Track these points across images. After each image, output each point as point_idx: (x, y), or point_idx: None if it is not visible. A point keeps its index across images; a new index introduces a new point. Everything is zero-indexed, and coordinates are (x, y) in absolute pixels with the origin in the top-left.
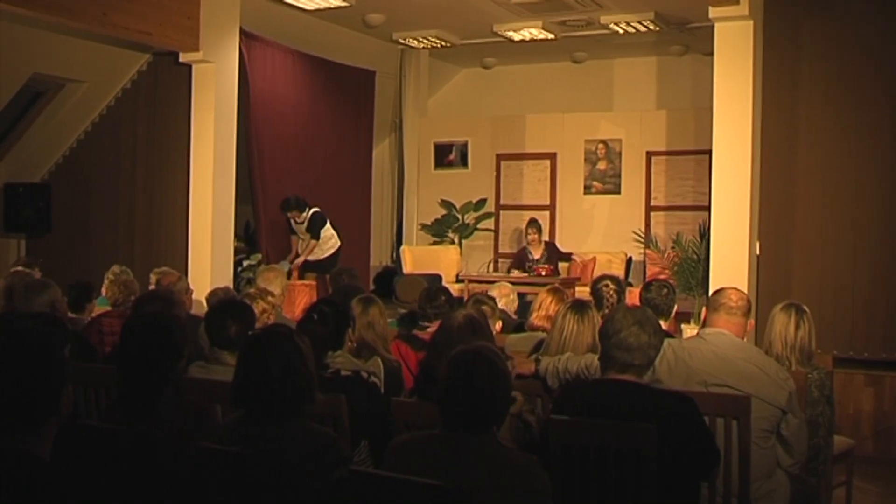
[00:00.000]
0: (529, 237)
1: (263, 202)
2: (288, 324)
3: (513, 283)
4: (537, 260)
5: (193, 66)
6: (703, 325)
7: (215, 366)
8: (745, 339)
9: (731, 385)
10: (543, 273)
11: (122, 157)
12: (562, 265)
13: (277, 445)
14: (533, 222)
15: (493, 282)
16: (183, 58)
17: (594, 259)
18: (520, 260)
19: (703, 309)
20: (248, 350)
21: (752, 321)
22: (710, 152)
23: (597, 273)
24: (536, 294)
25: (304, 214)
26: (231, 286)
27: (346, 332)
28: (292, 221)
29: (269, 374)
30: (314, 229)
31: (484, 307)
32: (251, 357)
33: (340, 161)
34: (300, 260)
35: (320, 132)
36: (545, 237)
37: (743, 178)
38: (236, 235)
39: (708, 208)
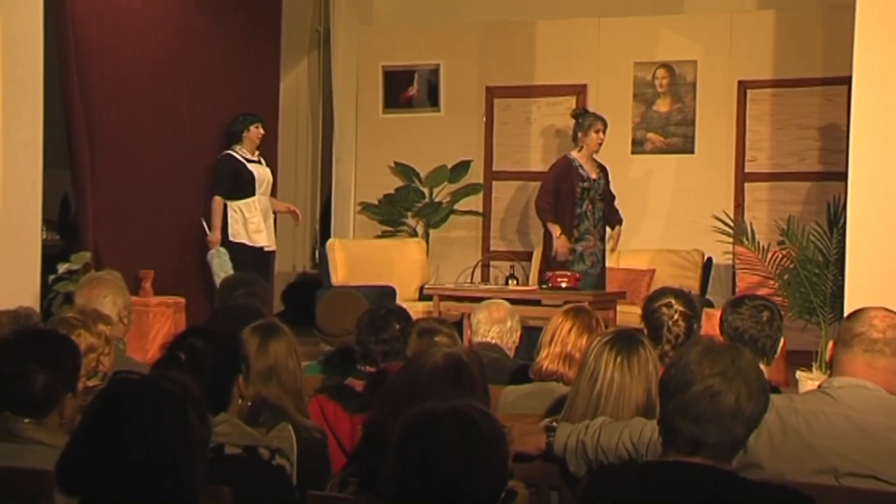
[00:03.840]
0: (592, 134)
1: (91, 164)
2: (135, 368)
3: (512, 302)
4: (594, 181)
5: None
6: (830, 371)
7: (5, 444)
8: None
9: (882, 476)
10: (564, 285)
11: None
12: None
13: None
14: (600, 118)
15: (480, 298)
16: None
17: (651, 273)
18: (564, 171)
19: (830, 344)
20: (96, 411)
21: None
22: (848, 81)
23: (655, 284)
24: (549, 320)
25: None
26: (36, 307)
27: (235, 383)
28: (243, 157)
29: (122, 457)
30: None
31: (438, 338)
32: (100, 421)
33: (223, 96)
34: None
35: (188, 49)
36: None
37: None
38: (46, 221)
39: (843, 176)
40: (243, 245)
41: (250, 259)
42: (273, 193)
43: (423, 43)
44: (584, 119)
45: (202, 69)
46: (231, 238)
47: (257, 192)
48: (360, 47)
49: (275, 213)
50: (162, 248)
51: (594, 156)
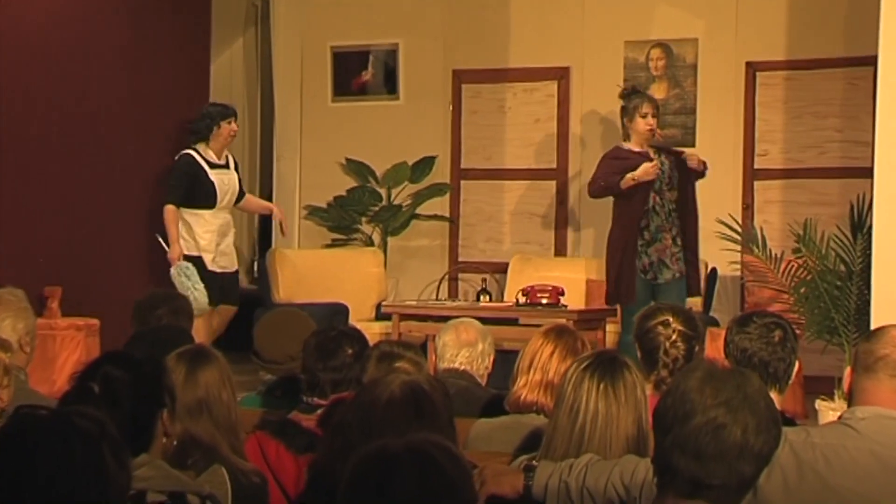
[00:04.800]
0: (638, 119)
1: None
2: (40, 402)
3: (485, 321)
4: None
5: None
6: (849, 400)
7: None
8: None
9: None
10: (545, 301)
11: None
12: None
13: None
14: (646, 99)
15: (447, 318)
16: None
17: None
18: (617, 164)
19: (846, 371)
20: None
21: None
22: (874, 62)
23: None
24: (527, 342)
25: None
26: None
27: (158, 419)
28: (207, 165)
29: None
30: (241, 184)
31: (400, 364)
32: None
33: (143, 83)
34: None
35: (99, 26)
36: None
37: None
38: None
39: (869, 172)
40: (197, 258)
41: (206, 276)
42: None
43: (379, 19)
44: (629, 102)
45: (117, 50)
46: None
47: (218, 204)
48: (304, 24)
49: (253, 213)
50: (71, 261)
51: (651, 142)
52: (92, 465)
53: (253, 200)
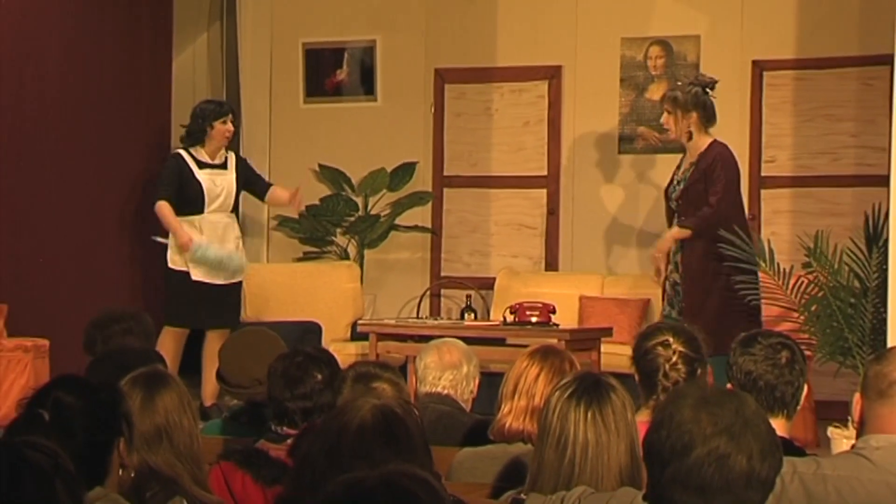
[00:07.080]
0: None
1: None
2: None
3: (469, 341)
4: (673, 184)
5: None
6: (859, 428)
7: None
8: None
9: None
10: (535, 319)
11: None
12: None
13: None
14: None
15: (429, 338)
16: None
17: (644, 303)
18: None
19: (856, 396)
20: None
21: None
22: (890, 61)
23: (650, 318)
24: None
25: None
26: None
27: (115, 449)
28: (198, 160)
29: None
30: (259, 178)
31: (377, 385)
32: None
33: (97, 82)
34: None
35: (44, 21)
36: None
37: None
38: None
39: (885, 180)
40: (185, 274)
41: (195, 292)
42: (263, 189)
43: (355, 14)
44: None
45: (66, 48)
46: (169, 265)
47: (207, 208)
48: (274, 19)
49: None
50: (18, 275)
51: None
52: (44, 500)
53: (278, 192)
